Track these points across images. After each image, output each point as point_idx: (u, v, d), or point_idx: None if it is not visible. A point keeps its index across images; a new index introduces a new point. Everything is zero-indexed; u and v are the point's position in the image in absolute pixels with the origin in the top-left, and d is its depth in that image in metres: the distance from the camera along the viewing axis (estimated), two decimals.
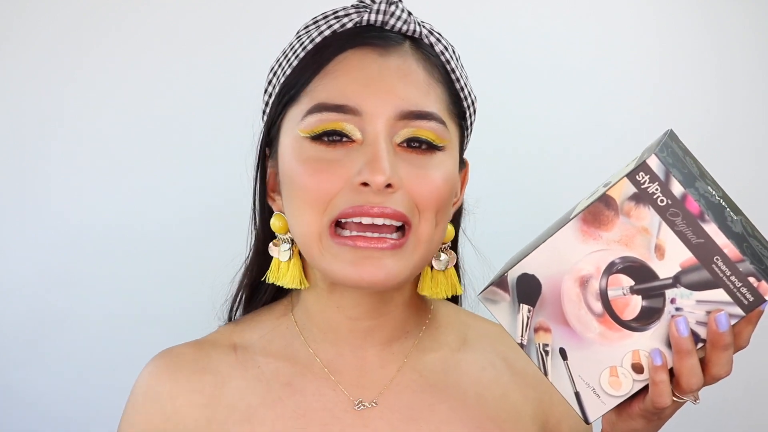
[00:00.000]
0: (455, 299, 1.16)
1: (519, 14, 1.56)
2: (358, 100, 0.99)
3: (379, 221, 0.98)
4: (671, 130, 0.91)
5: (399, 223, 0.99)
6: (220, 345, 1.10)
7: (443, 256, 1.08)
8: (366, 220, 0.98)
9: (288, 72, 1.05)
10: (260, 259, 1.10)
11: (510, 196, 1.54)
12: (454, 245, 1.13)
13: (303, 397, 1.05)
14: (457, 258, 1.12)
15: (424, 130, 1.00)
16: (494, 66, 1.53)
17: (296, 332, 1.09)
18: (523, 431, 1.07)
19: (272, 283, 1.08)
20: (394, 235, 0.99)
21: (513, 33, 1.56)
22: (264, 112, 1.09)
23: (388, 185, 0.97)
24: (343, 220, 0.99)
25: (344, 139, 1.00)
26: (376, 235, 0.98)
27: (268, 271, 1.08)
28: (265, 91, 1.09)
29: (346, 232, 0.99)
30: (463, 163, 1.10)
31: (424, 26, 1.07)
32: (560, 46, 1.55)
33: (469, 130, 1.10)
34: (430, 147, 1.01)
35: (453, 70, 1.06)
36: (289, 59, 1.06)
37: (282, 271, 1.07)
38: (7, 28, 1.53)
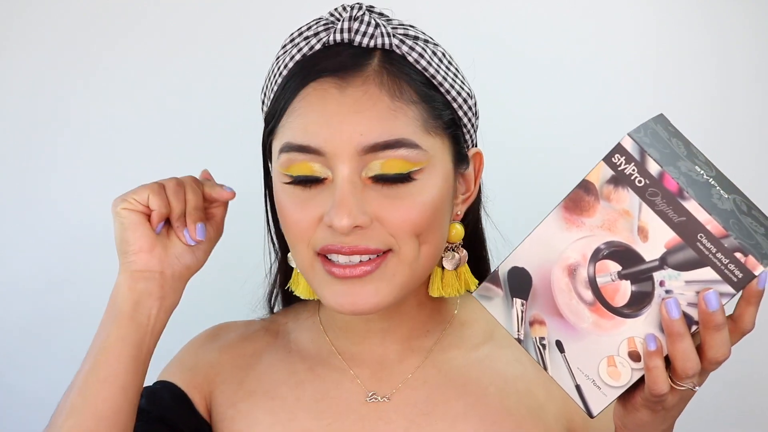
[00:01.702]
0: None
1: (518, 14, 1.56)
2: (319, 141, 0.98)
3: (356, 258, 0.99)
4: (661, 114, 0.90)
5: (375, 255, 1.00)
6: (265, 326, 1.17)
7: (455, 256, 1.08)
8: (343, 259, 0.99)
9: (271, 97, 1.05)
10: (284, 266, 1.15)
11: (510, 195, 1.54)
12: (478, 235, 1.13)
13: (323, 384, 1.09)
14: (486, 244, 1.14)
15: (393, 159, 0.98)
16: (493, 64, 1.53)
17: (321, 330, 1.13)
18: (544, 428, 1.05)
19: None
20: (370, 264, 1.00)
21: (513, 33, 1.55)
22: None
23: (357, 226, 0.97)
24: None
25: (315, 181, 1.00)
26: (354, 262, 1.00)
27: (290, 280, 1.13)
28: (263, 102, 1.09)
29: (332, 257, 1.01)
30: (466, 160, 1.07)
31: (395, 35, 1.02)
32: (561, 44, 1.55)
33: (470, 126, 1.08)
34: (402, 178, 0.99)
35: (434, 76, 1.03)
36: (270, 84, 1.06)
37: (298, 281, 1.12)
38: (7, 28, 1.54)
